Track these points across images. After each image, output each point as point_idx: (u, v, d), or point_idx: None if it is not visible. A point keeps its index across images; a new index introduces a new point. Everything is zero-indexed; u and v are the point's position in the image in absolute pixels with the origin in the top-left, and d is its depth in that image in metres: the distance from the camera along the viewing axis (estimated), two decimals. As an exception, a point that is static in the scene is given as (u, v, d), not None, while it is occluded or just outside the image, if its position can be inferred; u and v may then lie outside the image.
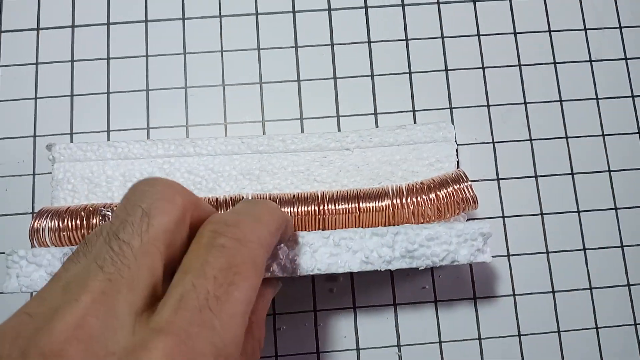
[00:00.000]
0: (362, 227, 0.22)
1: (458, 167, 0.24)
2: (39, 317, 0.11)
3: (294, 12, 0.28)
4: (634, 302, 0.26)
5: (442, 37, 0.27)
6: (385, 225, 0.22)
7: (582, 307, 0.25)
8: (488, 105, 0.27)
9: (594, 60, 0.28)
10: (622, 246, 0.26)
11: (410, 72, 0.27)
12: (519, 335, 0.25)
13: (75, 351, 0.11)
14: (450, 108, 0.27)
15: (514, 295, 0.25)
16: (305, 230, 0.22)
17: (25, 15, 0.27)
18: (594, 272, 0.26)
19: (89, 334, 0.11)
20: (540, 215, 0.26)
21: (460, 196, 0.22)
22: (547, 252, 0.26)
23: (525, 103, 0.27)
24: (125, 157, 0.24)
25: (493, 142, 0.27)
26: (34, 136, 0.26)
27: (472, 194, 0.22)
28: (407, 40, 0.27)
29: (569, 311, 0.25)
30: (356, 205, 0.22)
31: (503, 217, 0.26)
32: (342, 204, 0.22)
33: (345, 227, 0.22)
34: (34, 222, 0.22)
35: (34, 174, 0.26)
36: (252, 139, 0.24)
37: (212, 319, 0.12)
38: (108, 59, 0.26)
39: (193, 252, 0.14)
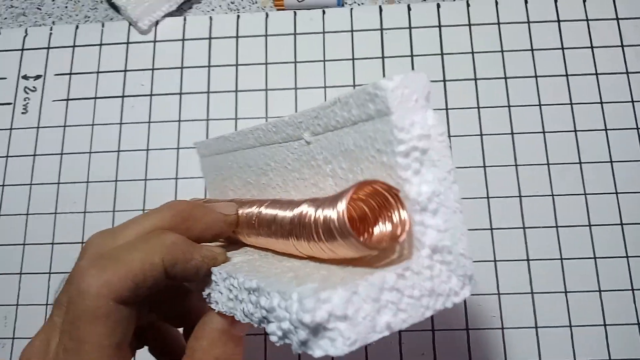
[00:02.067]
0: (283, 252, 0.19)
1: (417, 153, 0.15)
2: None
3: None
4: (609, 339, 0.30)
5: (449, 136, 0.35)
6: (301, 255, 0.18)
7: (563, 342, 0.30)
8: (488, 198, 0.33)
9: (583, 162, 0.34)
10: (599, 291, 0.31)
11: (481, 137, 0.35)
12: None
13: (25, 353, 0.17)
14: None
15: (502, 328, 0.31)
16: (258, 245, 0.21)
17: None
18: (574, 312, 0.31)
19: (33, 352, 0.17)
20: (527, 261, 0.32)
21: (327, 227, 0.15)
22: (532, 293, 0.31)
23: (520, 196, 0.34)
24: (231, 149, 0.25)
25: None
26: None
27: (337, 224, 0.14)
28: (479, 113, 0.35)
29: (551, 344, 0.30)
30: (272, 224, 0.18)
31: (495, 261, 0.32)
32: (266, 219, 0.19)
33: (272, 248, 0.20)
34: None
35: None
36: (256, 130, 0.22)
37: None
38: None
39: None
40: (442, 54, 0.36)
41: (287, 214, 0.17)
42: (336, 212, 0.14)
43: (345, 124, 0.17)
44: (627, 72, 0.35)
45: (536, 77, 0.35)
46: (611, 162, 0.33)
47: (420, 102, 0.15)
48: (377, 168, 0.16)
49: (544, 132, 0.34)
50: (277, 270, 0.17)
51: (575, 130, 0.34)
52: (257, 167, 0.23)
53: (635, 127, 0.34)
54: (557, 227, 0.32)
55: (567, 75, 0.35)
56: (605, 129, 0.34)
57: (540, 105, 0.34)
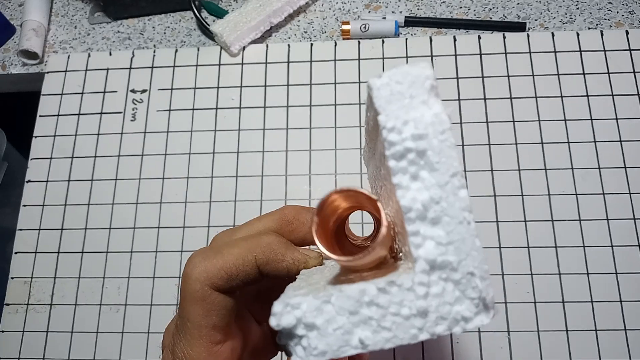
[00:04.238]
0: None
1: (412, 154, 0.14)
2: None
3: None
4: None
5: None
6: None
7: None
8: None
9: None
10: (566, 330, 0.38)
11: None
12: None
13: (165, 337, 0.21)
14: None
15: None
16: None
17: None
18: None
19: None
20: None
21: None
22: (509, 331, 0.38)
23: (500, 247, 0.40)
24: (368, 158, 0.25)
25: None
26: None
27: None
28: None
29: None
30: None
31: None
32: None
33: None
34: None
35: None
36: None
37: (178, 343, 0.19)
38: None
39: None
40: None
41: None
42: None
43: (375, 127, 0.16)
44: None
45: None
46: None
47: (419, 97, 0.14)
48: (389, 174, 0.14)
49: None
50: (322, 276, 0.17)
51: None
52: (375, 176, 0.23)
53: (646, 140, 0.40)
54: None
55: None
56: None
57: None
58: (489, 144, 0.41)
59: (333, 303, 0.13)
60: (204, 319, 0.18)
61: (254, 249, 0.19)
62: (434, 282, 0.13)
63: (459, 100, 0.43)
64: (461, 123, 0.42)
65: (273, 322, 0.13)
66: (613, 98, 0.42)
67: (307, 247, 0.22)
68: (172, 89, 0.45)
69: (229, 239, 0.20)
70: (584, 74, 0.43)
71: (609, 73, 0.42)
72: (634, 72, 0.42)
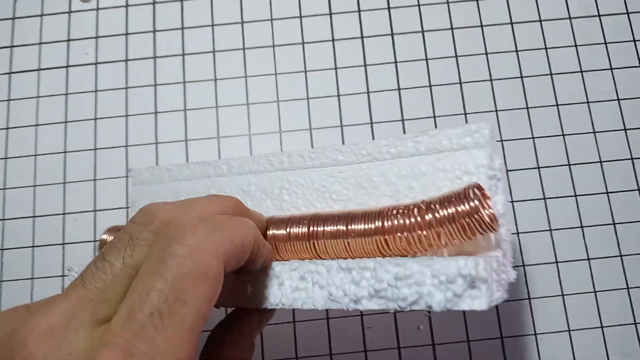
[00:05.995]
0: (352, 255, 0.20)
1: (495, 180, 0.19)
2: (31, 312, 0.13)
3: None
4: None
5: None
6: (380, 254, 0.19)
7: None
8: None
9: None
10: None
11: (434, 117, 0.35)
12: None
13: (37, 345, 0.12)
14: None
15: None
16: (299, 256, 0.21)
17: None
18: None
19: (53, 333, 0.13)
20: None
21: (467, 220, 0.17)
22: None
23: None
24: (175, 179, 0.26)
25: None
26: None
27: (481, 215, 0.17)
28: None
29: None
30: (344, 227, 0.19)
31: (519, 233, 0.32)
32: (330, 226, 0.20)
33: (337, 254, 0.20)
34: (102, 235, 0.25)
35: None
36: (275, 157, 0.24)
37: (154, 337, 0.12)
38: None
39: (148, 258, 0.14)
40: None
41: (369, 225, 0.19)
42: (472, 206, 0.17)
43: (427, 152, 0.21)
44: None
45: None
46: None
47: (496, 144, 0.21)
48: (458, 185, 0.19)
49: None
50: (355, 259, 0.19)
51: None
52: (268, 192, 0.24)
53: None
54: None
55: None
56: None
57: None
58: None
59: (492, 265, 0.17)
60: (206, 305, 0.13)
61: (251, 230, 0.17)
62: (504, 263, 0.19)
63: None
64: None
65: (472, 271, 0.15)
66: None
67: None
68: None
69: (188, 214, 0.16)
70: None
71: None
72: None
